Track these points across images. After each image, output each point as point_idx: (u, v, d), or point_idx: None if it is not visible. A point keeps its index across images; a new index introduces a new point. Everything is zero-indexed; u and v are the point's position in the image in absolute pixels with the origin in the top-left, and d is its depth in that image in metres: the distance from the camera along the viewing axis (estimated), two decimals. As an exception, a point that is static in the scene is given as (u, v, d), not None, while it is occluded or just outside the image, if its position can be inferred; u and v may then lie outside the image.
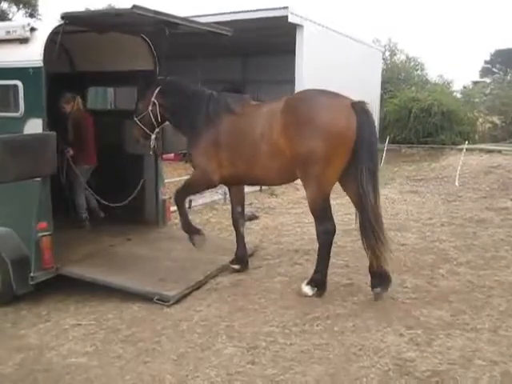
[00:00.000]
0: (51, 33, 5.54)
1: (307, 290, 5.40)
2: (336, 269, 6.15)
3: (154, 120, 6.01)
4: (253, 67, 18.48)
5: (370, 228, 5.00)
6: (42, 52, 5.49)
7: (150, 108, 5.96)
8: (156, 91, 5.95)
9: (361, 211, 5.09)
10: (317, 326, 4.79)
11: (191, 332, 4.80)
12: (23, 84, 5.68)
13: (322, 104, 5.07)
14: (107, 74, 7.47)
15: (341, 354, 4.32)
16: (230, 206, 10.32)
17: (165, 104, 5.95)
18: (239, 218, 6.33)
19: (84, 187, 7.36)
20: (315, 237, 5.35)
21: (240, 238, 6.33)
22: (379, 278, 5.25)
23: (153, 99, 5.95)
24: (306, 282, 5.45)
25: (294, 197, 11.90)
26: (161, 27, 5.82)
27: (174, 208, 7.98)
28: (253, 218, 9.71)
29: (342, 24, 14.15)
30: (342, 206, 9.04)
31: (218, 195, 11.39)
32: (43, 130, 5.63)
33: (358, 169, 4.95)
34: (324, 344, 4.47)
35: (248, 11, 12.18)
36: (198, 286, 5.79)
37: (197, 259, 6.39)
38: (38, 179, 5.62)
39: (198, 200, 10.78)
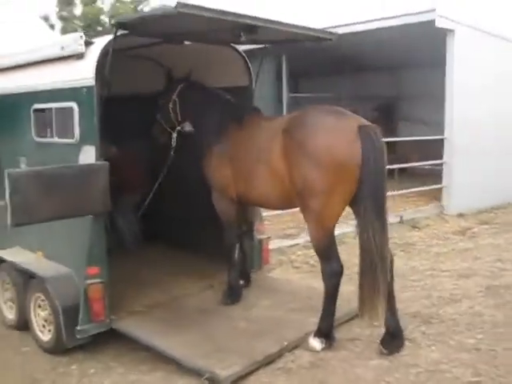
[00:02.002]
0: (106, 45, 4.69)
1: (315, 344, 4.67)
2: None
3: (173, 118, 5.71)
4: (408, 82, 16.58)
5: (371, 273, 4.28)
6: (94, 68, 4.66)
7: (171, 105, 5.68)
8: (178, 89, 5.66)
9: (362, 253, 4.36)
10: None
11: None
12: (78, 106, 4.91)
13: (322, 126, 4.37)
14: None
15: None
16: None
17: (184, 103, 5.67)
18: (244, 236, 5.99)
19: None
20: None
21: (245, 255, 6.06)
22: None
23: (174, 97, 5.66)
24: (313, 333, 4.72)
25: (440, 230, 10.08)
26: (236, 32, 4.69)
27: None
28: (386, 256, 8.17)
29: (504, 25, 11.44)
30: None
31: (349, 226, 9.94)
32: (96, 159, 4.79)
33: (360, 205, 4.26)
34: None
35: (384, 18, 10.60)
36: (268, 362, 4.49)
37: (278, 321, 5.12)
38: (90, 217, 4.80)
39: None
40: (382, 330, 5.06)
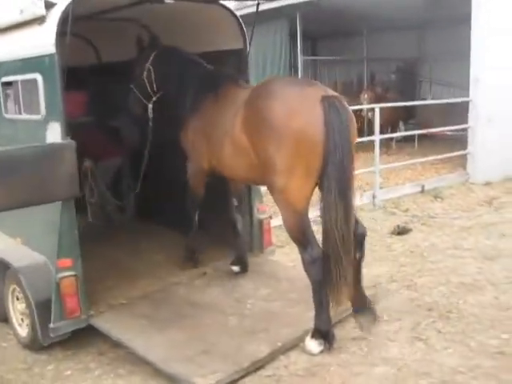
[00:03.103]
0: (67, 5, 4.06)
1: (313, 346, 4.12)
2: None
3: (149, 88, 5.32)
4: (430, 42, 15.57)
5: (333, 258, 3.90)
6: (54, 34, 4.05)
7: (145, 74, 5.27)
8: (151, 57, 5.25)
9: (323, 238, 3.98)
10: None
11: None
12: (42, 77, 4.32)
13: (282, 96, 3.98)
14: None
15: None
16: (379, 212, 8.72)
17: (159, 72, 5.27)
18: (236, 212, 5.52)
19: None
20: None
21: (238, 235, 5.52)
22: None
23: (147, 65, 5.25)
24: (310, 333, 4.16)
25: (465, 201, 9.33)
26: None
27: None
28: (403, 231, 7.54)
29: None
30: None
31: (363, 198, 9.28)
32: (62, 137, 4.22)
33: (323, 184, 3.87)
34: None
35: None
36: (257, 368, 3.94)
37: (274, 315, 4.56)
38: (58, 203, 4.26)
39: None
40: (392, 326, 4.49)
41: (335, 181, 3.81)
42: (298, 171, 3.87)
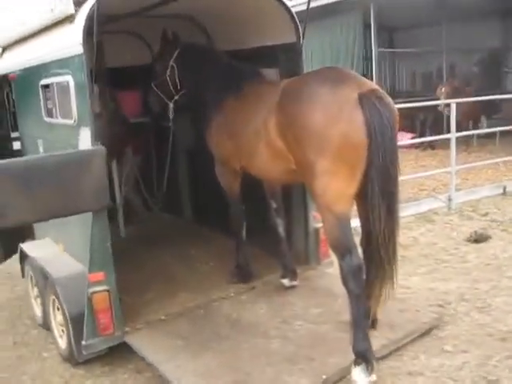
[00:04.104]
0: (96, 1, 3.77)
1: (358, 376, 3.63)
2: None
3: (171, 86, 5.11)
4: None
5: (376, 262, 3.75)
6: (81, 32, 3.77)
7: (168, 73, 5.06)
8: (175, 54, 5.02)
9: (366, 243, 3.87)
10: None
11: None
12: (73, 79, 4.07)
13: (317, 99, 3.67)
14: (245, 52, 5.47)
15: None
16: (455, 217, 8.01)
17: (183, 69, 5.04)
18: (275, 216, 5.13)
19: None
20: None
21: (280, 241, 5.15)
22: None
23: (171, 62, 5.02)
24: (353, 361, 3.69)
25: (553, 205, 8.39)
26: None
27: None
28: (479, 238, 6.83)
29: None
30: None
31: (438, 201, 8.58)
32: (92, 143, 3.95)
33: (366, 188, 3.61)
34: None
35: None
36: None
37: (322, 340, 4.10)
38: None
39: (407, 209, 8.16)
40: (455, 360, 3.89)
41: (378, 183, 3.57)
42: (340, 175, 3.62)
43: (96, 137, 3.95)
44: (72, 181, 3.76)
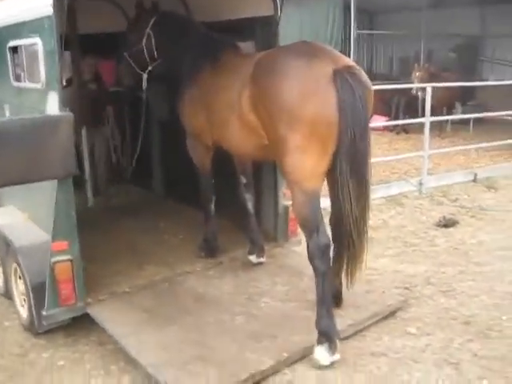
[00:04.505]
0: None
1: (320, 355, 3.64)
2: None
3: (147, 56, 4.99)
4: (493, 18, 14.42)
5: (345, 241, 3.74)
6: (51, -8, 3.61)
7: (144, 41, 4.93)
8: (152, 21, 4.90)
9: (335, 222, 3.85)
10: None
11: None
12: (42, 42, 3.91)
13: (290, 72, 3.59)
14: (221, 24, 5.34)
15: None
16: (425, 201, 8.06)
17: (160, 38, 4.93)
18: (244, 191, 5.09)
19: None
20: None
21: (249, 217, 5.11)
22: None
23: (148, 30, 4.91)
24: (316, 340, 3.69)
25: (524, 192, 8.51)
26: None
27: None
28: (448, 223, 6.89)
29: None
30: None
31: (409, 185, 8.62)
32: (59, 108, 3.81)
33: (336, 165, 3.57)
34: None
35: None
36: (257, 381, 3.48)
37: (287, 318, 4.09)
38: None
39: (378, 191, 8.19)
40: (418, 342, 3.93)
41: (346, 160, 3.53)
42: (311, 151, 3.56)
43: (64, 102, 3.81)
44: (37, 146, 3.63)
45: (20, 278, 4.58)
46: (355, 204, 3.58)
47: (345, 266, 3.83)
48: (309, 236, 3.70)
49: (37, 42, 3.96)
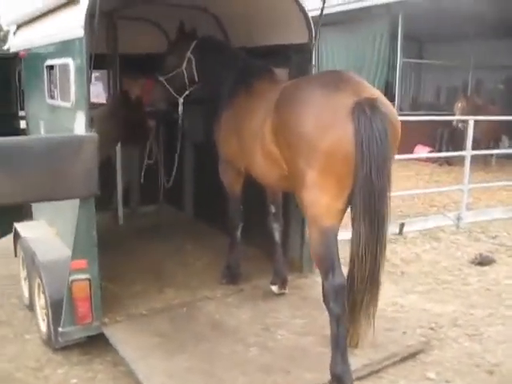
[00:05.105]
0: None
1: None
2: None
3: (186, 80, 5.00)
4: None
5: (351, 289, 3.56)
6: (83, 15, 3.68)
7: (185, 65, 4.93)
8: (193, 45, 4.91)
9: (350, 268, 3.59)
10: None
11: None
12: (73, 62, 4.00)
13: (309, 104, 3.51)
14: (257, 50, 5.37)
15: None
16: (462, 236, 7.80)
17: (200, 62, 4.93)
18: (273, 221, 5.03)
19: None
20: None
21: (275, 247, 5.05)
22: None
23: (188, 54, 4.90)
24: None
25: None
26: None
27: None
28: (484, 261, 6.64)
29: None
30: None
31: (446, 219, 8.37)
32: (86, 129, 3.87)
33: (352, 207, 3.47)
34: None
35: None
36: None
37: (301, 353, 3.98)
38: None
39: (414, 224, 8.00)
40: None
41: (361, 198, 3.38)
42: (328, 187, 3.46)
43: (90, 122, 3.86)
44: (61, 165, 3.69)
45: (43, 292, 4.64)
46: (366, 245, 3.42)
47: (357, 311, 3.65)
48: (324, 275, 3.57)
49: (68, 62, 4.05)
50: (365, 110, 3.32)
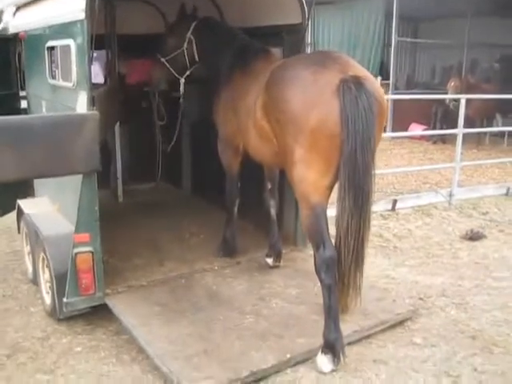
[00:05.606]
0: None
1: (322, 363, 3.69)
2: None
3: (187, 60, 5.12)
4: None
5: (339, 261, 3.66)
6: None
7: (185, 46, 5.06)
8: (192, 26, 5.03)
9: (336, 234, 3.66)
10: None
11: None
12: (75, 44, 4.13)
13: (298, 81, 3.61)
14: (249, 31, 5.47)
15: None
16: (454, 213, 7.98)
17: (200, 42, 5.07)
18: (269, 196, 5.17)
19: None
20: None
21: (271, 222, 5.19)
22: None
23: (189, 35, 5.02)
24: (320, 349, 3.73)
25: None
26: None
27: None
28: (476, 236, 6.83)
29: None
30: None
31: (439, 196, 8.55)
32: (87, 107, 4.02)
33: (338, 178, 3.53)
34: None
35: None
36: (257, 379, 3.59)
37: (295, 320, 4.19)
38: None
39: (407, 201, 8.19)
40: (422, 353, 3.96)
41: (346, 174, 3.46)
42: (316, 164, 3.56)
43: (91, 101, 4.00)
44: (64, 142, 3.84)
45: (47, 266, 4.82)
46: (351, 221, 3.52)
47: (342, 283, 3.75)
48: (315, 249, 3.70)
49: (70, 43, 4.17)
50: (350, 87, 3.39)
